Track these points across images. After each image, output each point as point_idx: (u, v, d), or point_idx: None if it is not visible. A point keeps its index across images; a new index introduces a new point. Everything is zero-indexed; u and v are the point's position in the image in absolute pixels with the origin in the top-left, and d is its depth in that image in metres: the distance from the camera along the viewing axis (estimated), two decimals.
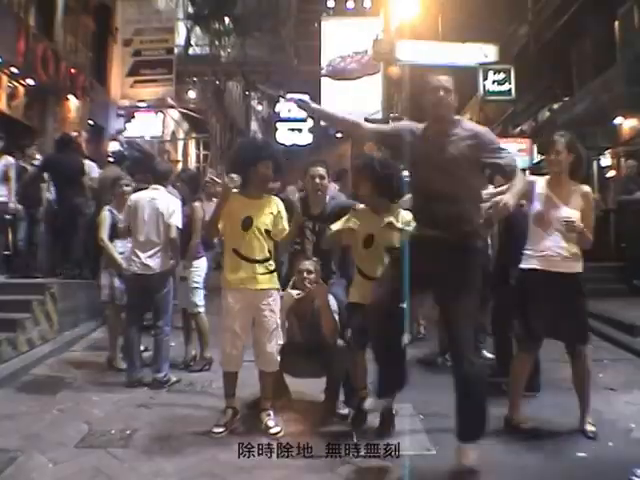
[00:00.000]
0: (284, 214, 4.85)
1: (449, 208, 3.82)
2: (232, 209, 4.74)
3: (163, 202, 6.09)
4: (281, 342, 4.83)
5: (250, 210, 4.70)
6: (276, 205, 4.84)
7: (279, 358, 4.79)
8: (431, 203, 3.87)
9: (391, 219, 4.59)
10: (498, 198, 3.66)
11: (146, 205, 6.08)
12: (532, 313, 4.58)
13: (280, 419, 4.77)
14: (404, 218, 4.65)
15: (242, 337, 4.71)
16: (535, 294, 4.57)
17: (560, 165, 4.58)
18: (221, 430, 4.64)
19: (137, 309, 6.23)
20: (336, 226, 4.80)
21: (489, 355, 6.90)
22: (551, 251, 4.51)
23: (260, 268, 4.68)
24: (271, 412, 4.76)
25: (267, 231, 4.72)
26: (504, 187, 4.27)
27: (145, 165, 9.07)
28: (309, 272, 4.88)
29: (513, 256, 5.56)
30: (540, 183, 4.66)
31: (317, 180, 5.12)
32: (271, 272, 4.75)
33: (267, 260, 4.73)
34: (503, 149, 3.98)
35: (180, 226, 6.13)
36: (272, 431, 4.59)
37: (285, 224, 4.80)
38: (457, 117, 4.01)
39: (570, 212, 4.50)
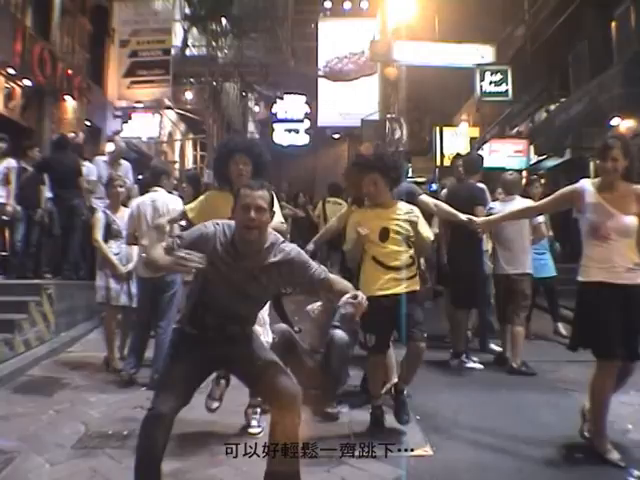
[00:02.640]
0: (276, 207, 4.69)
1: (239, 327, 3.48)
2: (215, 208, 4.53)
3: (163, 202, 6.11)
4: (269, 339, 4.74)
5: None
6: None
7: None
8: (220, 319, 3.39)
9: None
10: (351, 295, 3.20)
11: (148, 208, 6.12)
12: (602, 328, 4.20)
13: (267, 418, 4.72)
14: (413, 212, 4.70)
15: None
16: (601, 308, 4.22)
17: (617, 173, 4.25)
18: (217, 405, 4.65)
19: (147, 311, 6.27)
20: (349, 245, 4.75)
21: (497, 348, 6.96)
22: (614, 262, 4.19)
23: None
24: (258, 409, 4.69)
25: None
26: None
27: (143, 166, 9.08)
28: None
29: None
30: (589, 190, 4.31)
31: None
32: None
33: None
34: (313, 264, 3.47)
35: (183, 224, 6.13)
36: (250, 431, 4.58)
37: (276, 218, 4.47)
38: (273, 236, 3.43)
39: (628, 220, 4.20)
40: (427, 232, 4.81)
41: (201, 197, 5.00)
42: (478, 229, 5.08)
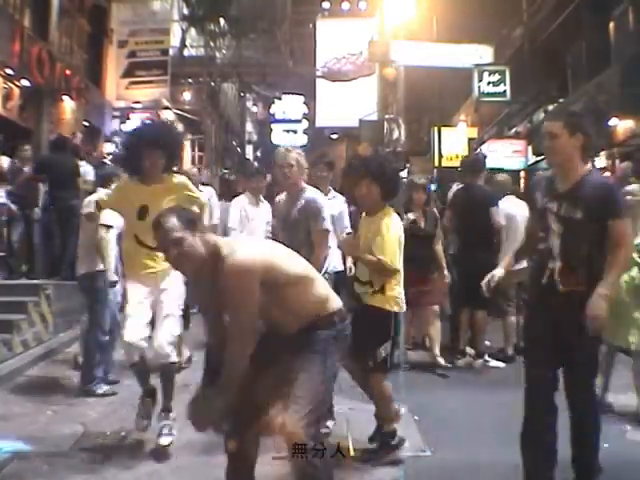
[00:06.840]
0: (192, 193, 4.58)
1: None
2: (126, 197, 4.49)
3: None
4: (176, 332, 4.50)
5: (145, 198, 4.35)
6: (176, 186, 4.51)
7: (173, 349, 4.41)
8: None
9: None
10: None
11: None
12: None
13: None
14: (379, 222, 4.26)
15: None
16: None
17: None
18: (146, 423, 4.43)
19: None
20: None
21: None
22: None
23: (158, 254, 4.04)
24: (171, 414, 4.36)
25: None
26: None
27: None
28: None
29: None
30: None
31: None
32: None
33: None
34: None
35: None
36: (160, 441, 4.23)
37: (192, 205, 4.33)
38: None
39: None
40: (380, 252, 4.15)
41: (114, 186, 5.18)
42: None
